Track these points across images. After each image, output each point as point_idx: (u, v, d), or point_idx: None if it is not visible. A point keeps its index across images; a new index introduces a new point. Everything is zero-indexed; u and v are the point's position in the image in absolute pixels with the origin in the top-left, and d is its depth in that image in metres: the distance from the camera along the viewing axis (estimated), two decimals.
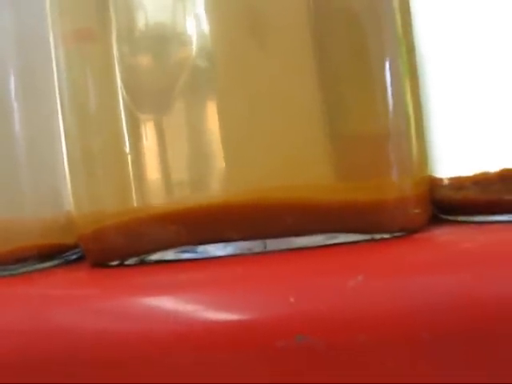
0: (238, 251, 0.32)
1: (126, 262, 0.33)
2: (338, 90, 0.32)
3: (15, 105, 0.36)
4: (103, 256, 0.33)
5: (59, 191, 0.37)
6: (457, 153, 0.34)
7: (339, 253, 0.30)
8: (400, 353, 0.27)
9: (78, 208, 0.34)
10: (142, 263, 0.33)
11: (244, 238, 0.31)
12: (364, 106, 0.32)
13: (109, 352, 0.28)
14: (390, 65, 0.32)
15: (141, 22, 0.32)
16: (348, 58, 0.32)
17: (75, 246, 0.36)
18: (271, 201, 0.31)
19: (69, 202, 0.35)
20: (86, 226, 0.34)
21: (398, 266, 0.28)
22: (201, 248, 0.32)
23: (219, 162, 0.32)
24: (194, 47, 0.31)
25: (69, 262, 0.37)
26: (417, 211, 0.32)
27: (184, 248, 0.32)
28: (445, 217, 0.35)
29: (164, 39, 0.32)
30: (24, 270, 0.35)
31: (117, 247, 0.33)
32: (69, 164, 0.35)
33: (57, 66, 0.35)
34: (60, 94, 0.35)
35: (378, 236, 0.32)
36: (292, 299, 0.27)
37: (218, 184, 0.32)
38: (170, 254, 0.32)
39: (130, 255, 0.33)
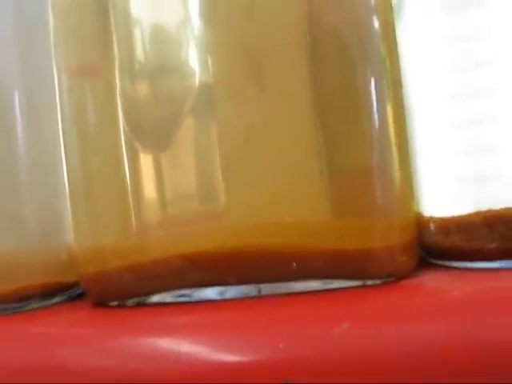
0: (233, 295, 0.33)
1: (127, 303, 0.34)
2: (330, 126, 0.33)
3: (19, 135, 0.37)
4: (104, 297, 0.34)
5: (61, 223, 0.37)
6: (443, 192, 0.35)
7: (328, 299, 0.31)
8: None
9: (78, 243, 0.35)
10: (142, 304, 0.34)
11: (239, 283, 0.33)
12: (353, 144, 0.33)
13: None
14: (378, 106, 0.33)
15: (143, 58, 0.33)
16: (340, 95, 0.33)
17: (77, 284, 0.37)
18: (266, 247, 0.32)
19: (70, 235, 0.36)
20: (88, 266, 0.35)
21: (383, 313, 0.29)
22: (198, 291, 0.33)
23: (217, 201, 0.33)
24: (194, 84, 0.32)
25: (72, 299, 0.38)
26: (404, 258, 0.33)
27: (181, 291, 0.33)
28: (433, 261, 0.36)
29: (165, 75, 0.33)
30: (27, 308, 0.36)
31: (117, 289, 0.34)
32: (70, 197, 0.36)
33: (60, 97, 0.35)
34: (62, 125, 0.35)
35: (369, 282, 0.32)
36: (281, 345, 0.28)
37: (215, 228, 0.33)
38: (168, 297, 0.33)
39: (131, 297, 0.34)
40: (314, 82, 0.32)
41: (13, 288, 0.36)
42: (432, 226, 0.35)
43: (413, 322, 0.29)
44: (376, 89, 0.33)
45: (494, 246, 0.33)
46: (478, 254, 0.34)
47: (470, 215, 0.34)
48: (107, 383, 0.30)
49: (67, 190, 0.36)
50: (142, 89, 0.34)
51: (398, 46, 0.35)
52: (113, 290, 0.34)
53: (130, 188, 0.33)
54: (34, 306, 0.36)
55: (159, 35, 0.33)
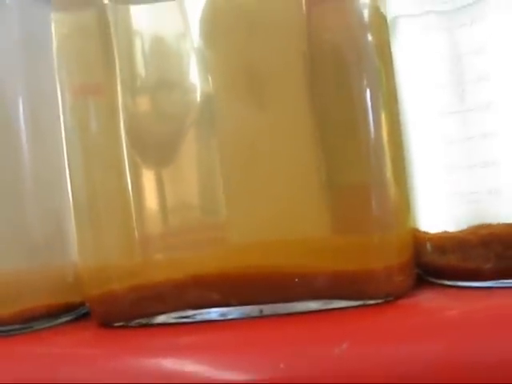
0: (235, 316, 0.33)
1: (131, 324, 0.35)
2: (328, 143, 0.33)
3: (24, 152, 0.37)
4: (109, 317, 0.35)
5: (66, 244, 0.38)
6: (439, 208, 0.35)
7: (328, 319, 0.32)
8: None
9: (83, 264, 0.36)
10: (146, 325, 0.34)
11: (241, 304, 0.33)
12: (350, 160, 0.33)
13: None
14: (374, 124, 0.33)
15: (144, 76, 0.34)
16: (337, 111, 0.33)
17: (82, 304, 0.38)
18: (268, 267, 0.33)
19: (76, 256, 0.36)
20: (93, 287, 0.35)
21: (381, 332, 0.30)
22: (200, 313, 0.34)
23: (218, 221, 0.33)
24: (195, 100, 0.33)
25: (78, 318, 0.38)
26: (402, 278, 0.34)
27: (184, 313, 0.34)
28: (430, 279, 0.36)
29: (166, 92, 0.34)
30: (33, 328, 0.36)
31: (122, 310, 0.34)
32: (75, 217, 0.36)
33: (63, 114, 0.36)
34: (66, 143, 0.36)
35: (367, 302, 0.33)
36: (282, 365, 0.29)
37: (217, 248, 0.33)
38: (171, 318, 0.34)
39: (135, 317, 0.34)
40: (313, 99, 0.33)
41: (19, 309, 0.36)
42: (428, 246, 0.36)
43: (411, 342, 0.29)
44: (372, 105, 0.33)
45: (489, 265, 0.34)
46: (474, 274, 0.34)
47: (465, 233, 0.34)
48: None
49: (72, 210, 0.36)
50: (144, 106, 0.34)
51: (393, 62, 0.36)
52: (118, 310, 0.34)
53: (133, 206, 0.34)
54: (40, 326, 0.37)
55: (160, 53, 0.34)
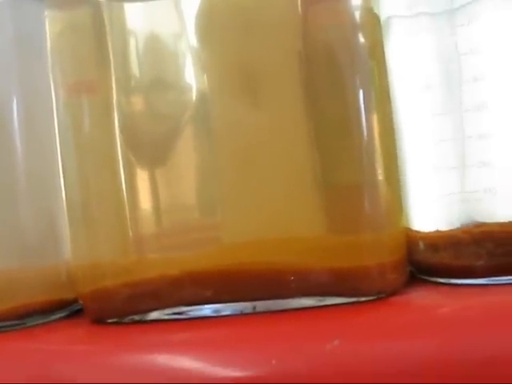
0: (228, 312, 0.33)
1: (125, 320, 0.35)
2: (323, 143, 0.33)
3: (18, 150, 0.37)
4: (102, 314, 0.35)
5: (60, 241, 0.38)
6: (431, 207, 0.36)
7: (320, 316, 0.32)
8: None
9: (77, 260, 0.36)
10: (139, 321, 0.34)
11: (235, 300, 0.33)
12: (344, 159, 0.34)
13: None
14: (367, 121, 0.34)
15: (139, 75, 0.34)
16: (331, 111, 0.33)
17: (76, 301, 0.38)
18: (262, 264, 0.33)
19: (69, 253, 0.36)
20: (86, 283, 0.35)
21: (373, 329, 0.30)
22: (194, 309, 0.34)
23: (213, 218, 0.34)
24: (190, 100, 0.33)
25: (71, 315, 0.38)
26: (394, 276, 0.34)
27: (178, 309, 0.34)
28: (422, 277, 0.36)
29: (161, 91, 0.34)
30: (26, 325, 0.36)
31: (115, 306, 0.34)
32: (68, 214, 0.36)
33: (57, 112, 0.36)
34: (60, 141, 0.36)
35: (360, 299, 0.33)
36: (274, 361, 0.29)
37: (211, 245, 0.34)
38: (165, 314, 0.34)
39: (128, 314, 0.34)
40: (308, 99, 0.33)
41: (13, 305, 0.36)
42: (421, 243, 0.36)
43: (403, 339, 0.30)
44: (365, 105, 0.33)
45: (481, 263, 0.34)
46: (466, 271, 0.34)
47: (457, 232, 0.34)
48: None
49: (65, 207, 0.36)
50: (138, 104, 0.34)
51: (386, 62, 0.36)
52: (111, 307, 0.34)
53: (127, 205, 0.34)
54: (33, 323, 0.37)
55: (155, 52, 0.34)
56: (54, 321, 0.37)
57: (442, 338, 0.30)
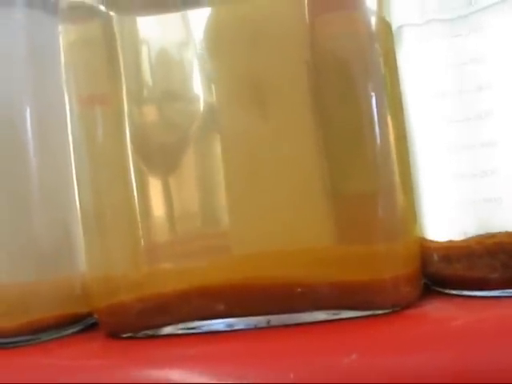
0: (242, 326, 0.33)
1: (139, 335, 0.35)
2: (333, 152, 0.33)
3: (32, 163, 0.37)
4: (117, 328, 0.35)
5: (75, 255, 0.38)
6: (445, 217, 0.35)
7: (336, 330, 0.32)
8: None
9: (92, 274, 0.36)
10: (154, 336, 0.34)
11: (248, 314, 0.33)
12: (356, 169, 0.34)
13: None
14: (380, 129, 0.34)
15: (150, 86, 0.34)
16: (342, 121, 0.33)
17: (90, 315, 0.37)
18: (275, 277, 0.33)
19: (83, 267, 0.36)
20: (101, 298, 0.35)
21: (390, 343, 0.30)
22: (207, 323, 0.34)
23: (223, 231, 0.33)
24: (199, 110, 0.33)
25: (86, 329, 0.38)
26: (409, 288, 0.34)
27: (192, 323, 0.34)
28: (436, 289, 0.36)
29: (171, 102, 0.34)
30: (41, 339, 0.36)
31: (130, 321, 0.34)
32: (83, 227, 0.36)
33: (71, 124, 0.36)
34: (74, 153, 0.36)
35: (375, 312, 0.33)
36: (292, 375, 0.29)
37: (222, 258, 0.33)
38: (178, 329, 0.34)
39: (142, 329, 0.34)
40: (317, 109, 0.33)
41: (26, 320, 0.36)
42: (435, 255, 0.36)
43: (419, 351, 0.30)
44: (378, 113, 0.33)
45: (496, 275, 0.34)
46: (480, 283, 0.34)
47: (470, 242, 0.34)
48: None
49: (80, 220, 0.36)
50: (149, 115, 0.34)
51: (398, 71, 0.36)
52: (126, 321, 0.35)
53: (139, 216, 0.34)
54: (48, 337, 0.37)
55: (165, 64, 0.34)
56: (69, 335, 0.37)
57: (457, 350, 0.30)
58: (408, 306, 0.34)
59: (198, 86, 0.33)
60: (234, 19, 0.34)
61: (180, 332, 0.34)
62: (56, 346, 0.36)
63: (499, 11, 0.34)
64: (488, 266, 0.34)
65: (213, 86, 0.33)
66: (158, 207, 0.34)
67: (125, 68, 0.34)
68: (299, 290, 0.32)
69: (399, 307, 0.33)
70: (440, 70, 0.35)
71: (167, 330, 0.34)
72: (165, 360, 0.32)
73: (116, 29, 0.34)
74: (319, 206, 0.33)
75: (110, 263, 0.35)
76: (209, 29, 0.33)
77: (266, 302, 0.33)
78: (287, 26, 0.33)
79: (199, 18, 0.34)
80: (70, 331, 0.38)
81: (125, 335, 0.35)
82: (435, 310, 0.34)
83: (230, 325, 0.33)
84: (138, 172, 0.34)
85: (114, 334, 0.35)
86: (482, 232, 0.34)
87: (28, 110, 0.38)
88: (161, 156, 0.34)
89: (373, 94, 0.33)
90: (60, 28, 0.36)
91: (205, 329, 0.34)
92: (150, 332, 0.34)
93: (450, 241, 0.35)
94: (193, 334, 0.34)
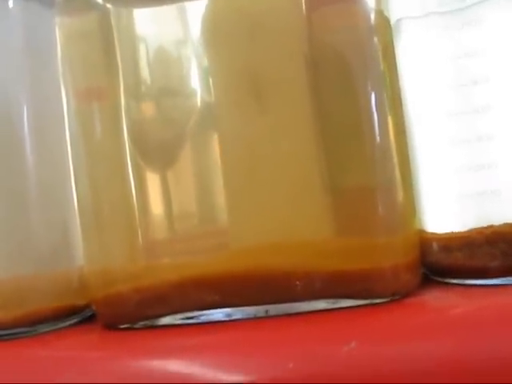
0: (240, 316, 0.33)
1: (137, 326, 0.34)
2: (332, 146, 0.33)
3: (28, 157, 0.37)
4: (114, 319, 0.35)
5: (72, 247, 0.38)
6: (444, 208, 0.35)
7: (335, 318, 0.32)
8: None
9: (89, 266, 0.36)
10: (151, 327, 0.34)
11: (247, 304, 0.33)
12: (356, 162, 0.33)
13: None
14: (379, 121, 0.34)
15: (147, 81, 0.34)
16: (341, 114, 0.33)
17: (88, 306, 0.38)
18: (273, 268, 0.33)
19: (81, 259, 0.36)
20: (98, 289, 0.35)
21: (389, 331, 0.30)
22: (205, 313, 0.33)
23: (221, 223, 0.34)
24: (197, 105, 0.33)
25: (83, 320, 0.38)
26: (408, 277, 0.34)
27: (190, 313, 0.34)
28: (436, 278, 0.36)
29: (168, 97, 0.34)
30: (39, 331, 0.36)
31: (128, 311, 0.34)
32: (80, 219, 0.36)
33: (68, 119, 0.36)
34: (71, 147, 0.36)
35: (374, 301, 0.33)
36: (291, 364, 0.29)
37: (221, 249, 0.33)
38: (176, 319, 0.34)
39: (141, 319, 0.34)
40: (316, 103, 0.33)
41: (23, 312, 0.36)
42: (434, 245, 0.36)
43: (418, 340, 0.29)
44: (377, 107, 0.33)
45: (495, 263, 0.34)
46: (480, 272, 0.34)
47: (471, 233, 0.34)
48: None
49: (77, 212, 0.36)
50: (147, 110, 0.34)
51: (397, 64, 0.36)
52: (123, 312, 0.34)
53: (137, 210, 0.34)
54: (46, 329, 0.37)
55: (162, 58, 0.34)
56: (66, 327, 0.37)
57: (457, 338, 0.30)
58: (407, 294, 0.34)
59: (195, 81, 0.33)
60: (231, 12, 0.33)
61: (178, 322, 0.34)
62: (53, 338, 0.36)
63: (497, 4, 0.33)
64: (488, 255, 0.34)
65: (211, 80, 0.33)
66: (155, 202, 0.34)
67: (122, 61, 0.34)
68: (297, 283, 0.32)
69: (398, 296, 0.33)
70: (439, 64, 0.35)
71: (165, 320, 0.34)
72: (163, 350, 0.32)
73: (113, 21, 0.34)
74: (318, 200, 0.33)
75: (108, 257, 0.35)
76: (206, 22, 0.33)
77: (264, 292, 0.33)
78: (285, 19, 0.33)
79: (197, 11, 0.33)
80: (68, 323, 0.38)
81: (122, 326, 0.35)
82: (435, 298, 0.34)
83: (228, 315, 0.33)
84: (136, 167, 0.34)
85: (112, 325, 0.35)
86: (481, 224, 0.34)
87: (25, 105, 0.37)
88: (158, 151, 0.34)
89: (371, 87, 0.33)
90: (56, 21, 0.36)
91: (203, 319, 0.34)
92: (147, 323, 0.34)
93: (451, 232, 0.35)
94: (191, 324, 0.34)
